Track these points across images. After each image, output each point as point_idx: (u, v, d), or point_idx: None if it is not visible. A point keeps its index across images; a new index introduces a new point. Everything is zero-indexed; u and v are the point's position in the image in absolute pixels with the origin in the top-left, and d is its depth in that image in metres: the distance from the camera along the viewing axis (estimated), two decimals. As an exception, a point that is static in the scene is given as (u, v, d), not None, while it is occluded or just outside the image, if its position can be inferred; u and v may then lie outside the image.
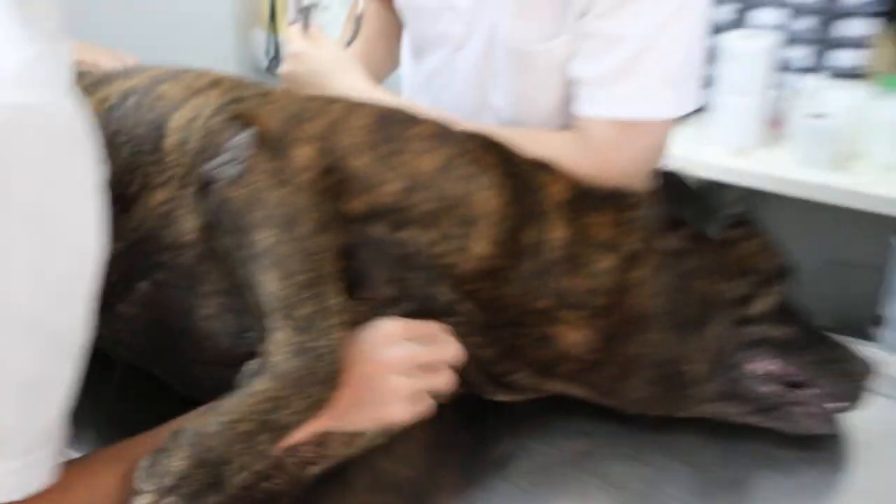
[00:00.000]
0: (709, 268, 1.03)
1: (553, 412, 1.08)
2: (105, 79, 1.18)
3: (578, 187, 1.09)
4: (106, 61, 1.30)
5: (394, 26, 1.56)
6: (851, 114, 2.44)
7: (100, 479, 0.80)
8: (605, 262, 1.03)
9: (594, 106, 1.22)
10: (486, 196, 0.98)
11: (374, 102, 1.13)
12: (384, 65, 1.60)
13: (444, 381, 0.95)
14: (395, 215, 0.95)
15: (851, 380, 1.02)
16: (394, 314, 0.97)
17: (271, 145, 0.90)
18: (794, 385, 1.02)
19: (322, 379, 0.82)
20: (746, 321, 1.02)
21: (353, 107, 1.01)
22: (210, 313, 0.99)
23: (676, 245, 1.04)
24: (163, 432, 0.83)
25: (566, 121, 1.30)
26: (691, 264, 1.03)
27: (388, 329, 0.93)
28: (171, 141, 1.04)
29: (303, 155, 0.90)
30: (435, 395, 0.94)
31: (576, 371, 1.05)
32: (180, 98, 1.09)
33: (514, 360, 1.04)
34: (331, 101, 1.03)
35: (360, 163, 0.94)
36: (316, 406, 0.83)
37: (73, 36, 1.33)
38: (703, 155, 2.54)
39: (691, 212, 1.02)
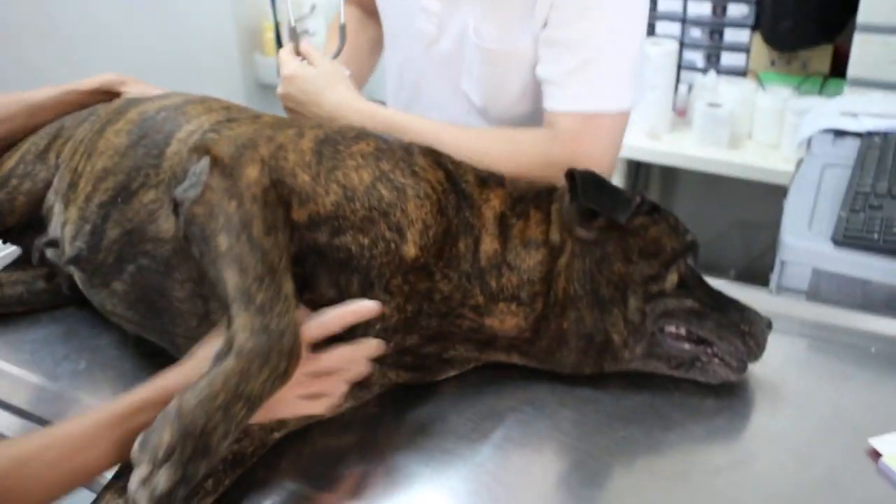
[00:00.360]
0: (623, 251, 0.98)
1: (495, 370, 1.04)
2: (148, 99, 1.17)
3: (512, 196, 1.02)
4: (152, 90, 1.30)
5: (376, 29, 1.46)
6: (739, 103, 2.46)
7: (101, 443, 0.77)
8: (533, 258, 0.98)
9: (561, 102, 1.17)
10: (415, 204, 0.93)
11: (339, 120, 1.11)
12: (370, 68, 1.53)
13: (338, 385, 0.88)
14: (335, 222, 0.90)
15: (753, 336, 0.98)
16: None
17: (224, 169, 0.86)
18: (707, 343, 0.99)
19: (286, 351, 0.78)
20: (661, 294, 0.98)
21: (304, 131, 0.96)
22: (182, 296, 0.97)
23: (593, 235, 0.98)
24: (149, 392, 0.82)
25: (530, 105, 1.26)
26: (608, 249, 0.98)
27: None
28: (171, 149, 1.02)
29: (251, 174, 0.87)
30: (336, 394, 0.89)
31: (510, 346, 1.01)
32: (195, 115, 1.07)
33: (449, 341, 0.99)
34: (286, 126, 0.98)
35: (302, 179, 0.90)
36: (283, 375, 0.79)
37: (92, 67, 1.33)
38: (626, 139, 2.54)
39: (603, 203, 0.97)
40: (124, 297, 1.03)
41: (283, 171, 0.89)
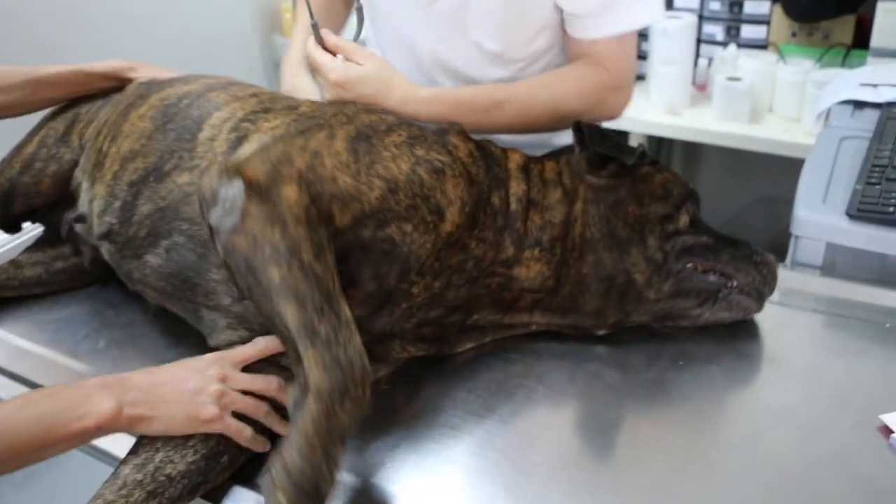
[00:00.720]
0: (635, 196, 1.02)
1: (504, 348, 1.06)
2: (168, 83, 1.19)
3: (526, 154, 1.08)
4: (163, 73, 1.31)
5: None
6: (760, 77, 2.43)
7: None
8: (553, 196, 1.02)
9: (601, 29, 1.19)
10: (453, 184, 0.94)
11: (379, 114, 1.07)
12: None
13: (258, 408, 0.89)
14: (380, 215, 0.90)
15: (766, 265, 1.04)
16: (366, 306, 0.95)
17: (260, 192, 0.83)
18: (726, 275, 1.03)
19: (359, 379, 0.77)
20: (676, 233, 1.02)
21: (335, 131, 0.94)
22: (219, 278, 0.98)
23: (604, 182, 1.02)
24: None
25: (546, 41, 1.27)
26: (620, 195, 1.02)
27: (212, 356, 0.91)
28: (203, 135, 1.04)
29: (290, 193, 0.84)
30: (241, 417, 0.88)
31: (534, 302, 1.03)
32: (222, 102, 1.08)
33: (474, 307, 1.02)
34: (317, 129, 0.95)
35: (343, 181, 0.88)
36: (362, 401, 0.78)
37: (111, 50, 1.34)
38: (644, 116, 2.53)
39: (610, 148, 1.00)
40: (157, 269, 1.04)
41: (323, 178, 0.88)
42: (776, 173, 2.73)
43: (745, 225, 2.93)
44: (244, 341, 0.97)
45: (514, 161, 1.05)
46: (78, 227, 1.20)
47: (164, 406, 0.84)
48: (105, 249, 1.13)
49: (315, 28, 1.19)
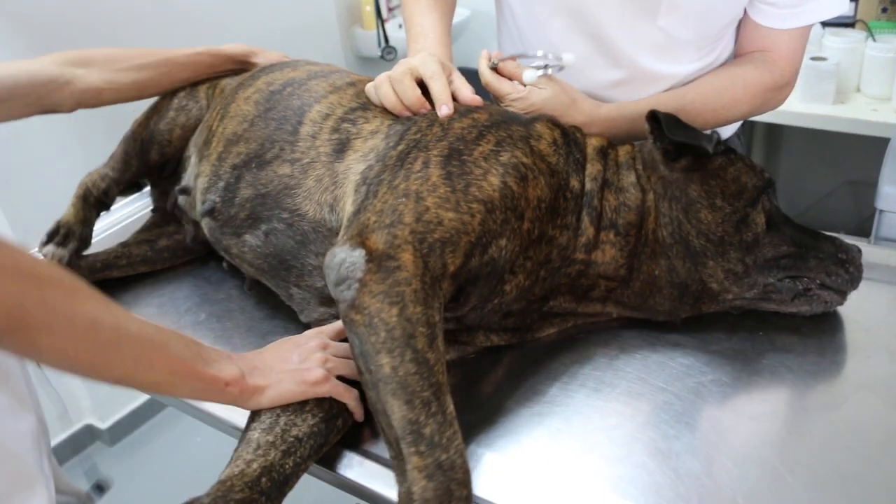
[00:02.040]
0: (707, 195, 1.00)
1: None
2: (275, 67, 1.27)
3: (605, 138, 1.08)
4: (281, 58, 1.40)
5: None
6: (847, 55, 2.38)
7: (178, 380, 0.83)
8: (628, 179, 1.02)
9: (789, 20, 1.18)
10: (533, 185, 0.95)
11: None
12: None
13: (352, 368, 0.91)
14: (483, 239, 0.90)
15: (852, 262, 1.02)
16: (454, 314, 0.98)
17: (380, 263, 0.85)
18: (811, 279, 1.02)
19: (461, 480, 0.78)
20: (756, 241, 1.00)
21: (430, 156, 0.95)
22: (315, 263, 1.04)
23: (675, 175, 1.01)
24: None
25: (732, 34, 1.25)
26: (691, 195, 1.00)
27: (311, 331, 0.98)
28: (305, 129, 1.09)
29: (407, 261, 0.84)
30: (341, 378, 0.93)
31: (607, 291, 1.04)
32: (322, 93, 1.13)
33: (554, 294, 1.04)
34: (412, 159, 0.96)
35: (447, 218, 0.89)
36: (466, 500, 0.78)
37: (195, 44, 1.42)
38: (724, 100, 2.51)
39: (689, 137, 0.98)
40: (255, 249, 1.11)
41: (430, 225, 0.88)
42: (862, 156, 2.68)
43: (828, 210, 2.88)
44: (337, 318, 1.03)
45: (593, 144, 1.06)
46: (181, 200, 1.28)
47: (275, 377, 0.90)
48: (206, 225, 1.21)
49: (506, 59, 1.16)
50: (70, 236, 1.30)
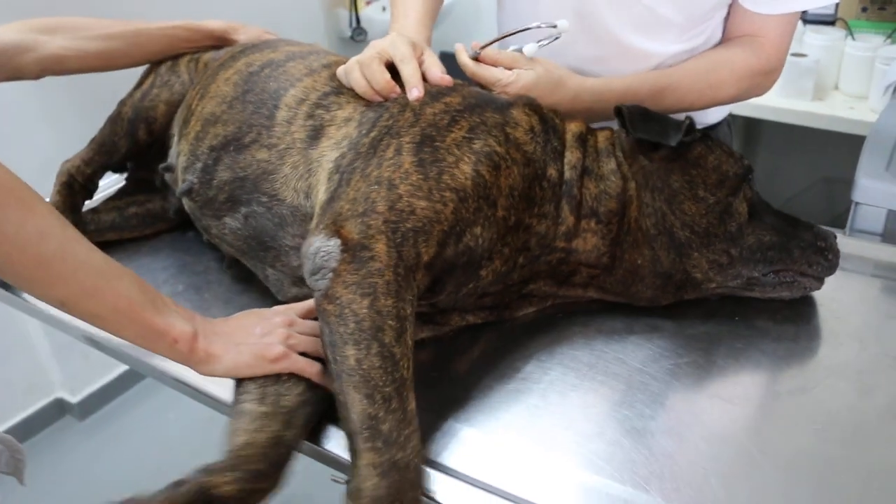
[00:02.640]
0: (689, 185, 1.00)
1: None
2: (256, 48, 1.25)
3: (585, 123, 1.07)
4: (266, 36, 1.38)
5: None
6: (826, 53, 2.41)
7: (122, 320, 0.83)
8: (608, 166, 1.01)
9: (779, 5, 1.17)
10: (505, 174, 0.94)
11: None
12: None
13: (317, 345, 0.90)
14: (457, 228, 0.90)
15: (830, 250, 1.04)
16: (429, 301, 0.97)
17: (354, 252, 0.85)
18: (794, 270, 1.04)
19: (413, 483, 0.78)
20: (740, 231, 1.01)
21: (402, 143, 0.94)
22: (292, 244, 1.04)
23: (656, 165, 1.01)
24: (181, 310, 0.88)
25: (719, 14, 1.24)
26: (673, 186, 1.00)
27: (280, 307, 0.96)
28: (281, 114, 1.08)
29: (380, 251, 0.85)
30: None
31: (589, 278, 1.04)
32: (298, 76, 1.12)
33: (535, 278, 1.04)
34: (384, 146, 0.95)
35: (419, 207, 0.88)
36: (420, 501, 0.79)
37: (181, 16, 1.41)
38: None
39: (652, 130, 0.99)
40: (235, 231, 1.11)
41: (403, 214, 0.88)
42: (838, 153, 2.72)
43: (804, 204, 2.92)
44: (310, 296, 1.02)
45: (572, 131, 1.05)
46: (167, 177, 1.28)
47: (234, 347, 0.89)
48: (186, 204, 1.20)
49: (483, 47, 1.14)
50: None
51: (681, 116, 1.03)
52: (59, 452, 2.40)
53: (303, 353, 0.91)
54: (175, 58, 1.34)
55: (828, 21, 2.52)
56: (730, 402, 0.92)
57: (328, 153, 1.01)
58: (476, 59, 1.14)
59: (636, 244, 1.02)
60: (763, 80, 1.24)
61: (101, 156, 1.32)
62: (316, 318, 0.89)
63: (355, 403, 0.79)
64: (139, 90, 1.33)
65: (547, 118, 1.04)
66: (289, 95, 1.10)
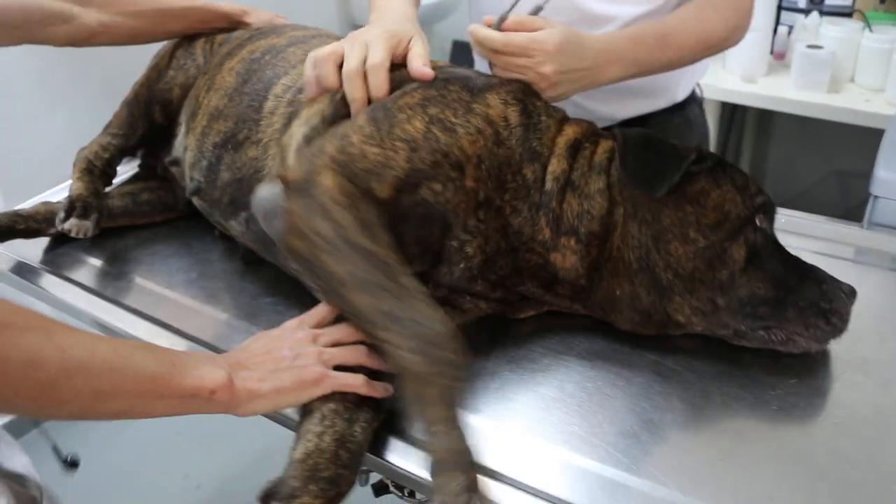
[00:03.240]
0: (681, 225, 0.92)
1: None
2: (262, 34, 1.24)
3: (591, 129, 1.02)
4: (277, 20, 1.38)
5: None
6: (842, 45, 2.40)
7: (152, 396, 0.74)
8: (595, 185, 0.96)
9: None
10: (469, 140, 0.93)
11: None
12: None
13: (352, 355, 0.87)
14: (411, 178, 0.90)
15: (835, 313, 0.92)
16: (421, 263, 0.96)
17: (299, 188, 0.86)
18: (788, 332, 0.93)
19: (447, 343, 0.79)
20: (731, 280, 0.92)
21: (356, 113, 0.97)
22: None
23: (649, 196, 0.93)
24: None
25: None
26: (663, 222, 0.93)
27: (292, 322, 0.90)
28: (268, 105, 1.07)
29: (326, 181, 0.86)
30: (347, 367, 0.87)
31: (572, 293, 0.99)
32: (293, 63, 1.11)
33: (521, 276, 0.99)
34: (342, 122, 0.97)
35: (371, 152, 0.90)
36: (457, 363, 0.79)
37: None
38: (720, 83, 2.52)
39: (638, 176, 0.92)
40: (241, 233, 1.12)
41: (354, 157, 0.89)
42: (853, 146, 2.71)
43: (816, 198, 2.91)
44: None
45: (566, 136, 0.99)
46: (173, 171, 1.27)
47: (270, 376, 0.82)
48: (196, 202, 1.21)
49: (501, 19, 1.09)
50: (89, 208, 1.25)
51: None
52: (58, 446, 2.40)
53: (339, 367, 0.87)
54: (191, 39, 1.34)
55: (845, 13, 2.50)
56: (747, 395, 0.91)
57: (297, 131, 1.01)
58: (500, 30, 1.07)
59: (616, 274, 0.96)
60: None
61: (119, 139, 1.32)
62: (332, 323, 0.88)
63: (358, 303, 0.82)
64: (154, 71, 1.33)
65: (532, 113, 0.99)
66: (279, 84, 1.09)
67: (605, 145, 1.00)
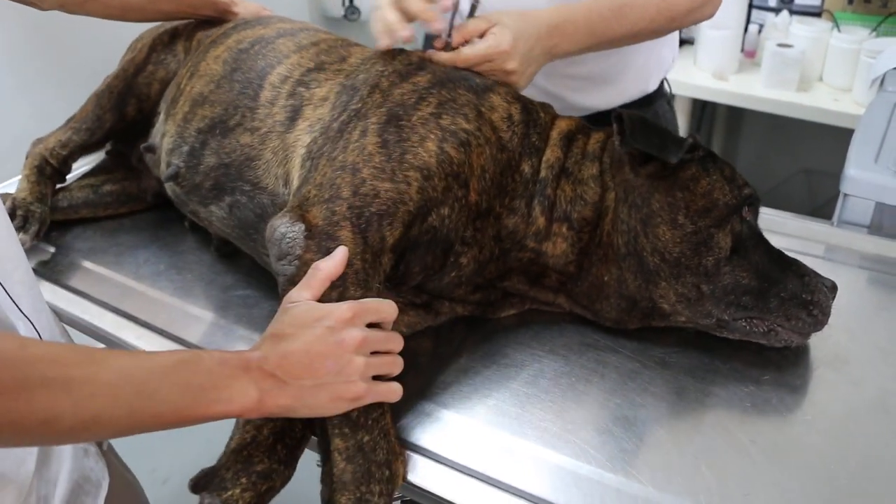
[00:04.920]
0: (670, 210, 0.93)
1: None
2: (248, 24, 1.22)
3: (581, 122, 1.03)
4: (263, 11, 1.36)
5: None
6: (811, 45, 2.42)
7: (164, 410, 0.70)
8: (588, 171, 0.97)
9: None
10: (477, 153, 0.92)
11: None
12: None
13: (395, 365, 0.83)
14: (423, 208, 0.89)
15: (817, 305, 0.93)
16: (415, 280, 0.95)
17: (319, 240, 0.84)
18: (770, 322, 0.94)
19: (382, 463, 0.78)
20: (717, 267, 0.92)
21: (368, 124, 0.93)
22: None
23: (641, 181, 0.94)
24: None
25: None
26: (653, 206, 0.93)
27: (340, 313, 0.78)
28: (265, 94, 1.06)
29: (345, 240, 0.84)
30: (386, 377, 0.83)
31: (559, 283, 1.00)
32: (285, 53, 1.10)
33: (509, 273, 1.00)
34: (352, 128, 0.95)
35: (383, 189, 0.88)
36: (394, 479, 0.79)
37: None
38: (691, 79, 2.53)
39: (652, 143, 0.92)
40: (220, 219, 1.10)
41: (367, 199, 0.87)
42: (820, 145, 2.74)
43: (784, 195, 2.94)
44: None
45: (560, 129, 1.01)
46: (147, 158, 1.25)
47: (307, 392, 0.76)
48: (170, 189, 1.18)
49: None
50: (30, 218, 1.20)
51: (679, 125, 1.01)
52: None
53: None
54: (172, 36, 1.31)
55: (814, 12, 2.53)
56: (721, 391, 0.92)
57: (302, 136, 1.00)
58: (452, 48, 1.07)
59: (605, 259, 0.96)
60: None
61: (81, 135, 1.28)
62: (376, 326, 0.83)
63: None
64: (131, 64, 1.29)
65: (531, 110, 1.01)
66: (274, 74, 1.08)
67: (597, 136, 1.01)
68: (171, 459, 2.13)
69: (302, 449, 0.83)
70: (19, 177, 1.28)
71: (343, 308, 0.79)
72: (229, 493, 0.75)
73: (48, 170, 1.27)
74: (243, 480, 0.76)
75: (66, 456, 0.87)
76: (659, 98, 1.45)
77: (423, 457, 0.85)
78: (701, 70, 2.57)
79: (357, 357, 0.78)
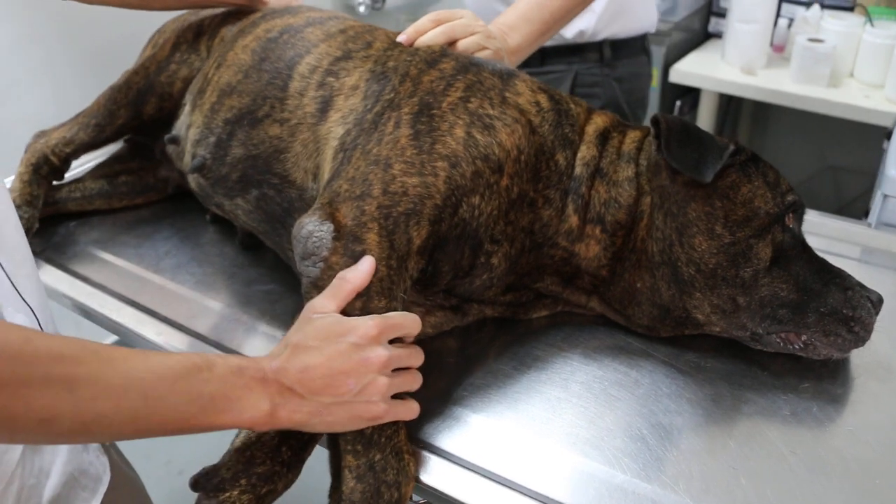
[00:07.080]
0: (707, 219, 0.89)
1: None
2: (277, 13, 1.19)
3: (617, 119, 1.01)
4: (298, 3, 1.32)
5: None
6: (843, 40, 2.38)
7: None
8: (624, 173, 0.94)
9: None
10: (507, 133, 0.90)
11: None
12: None
13: (415, 382, 0.82)
14: (451, 199, 0.87)
15: (858, 321, 0.89)
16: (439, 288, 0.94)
17: (346, 242, 0.82)
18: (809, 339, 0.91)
19: (392, 483, 0.76)
20: (755, 279, 0.89)
21: (401, 114, 0.92)
22: None
23: (677, 188, 0.91)
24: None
25: None
26: (689, 215, 0.90)
27: (365, 329, 0.76)
28: (294, 85, 1.03)
29: (371, 244, 0.82)
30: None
31: (592, 286, 0.97)
32: (314, 42, 1.08)
33: (542, 273, 0.98)
34: (385, 119, 0.93)
35: (412, 188, 0.86)
36: (402, 500, 0.76)
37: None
38: (719, 74, 2.50)
39: (686, 160, 0.88)
40: (247, 212, 1.08)
41: (396, 197, 0.85)
42: (848, 142, 2.70)
43: (809, 193, 2.90)
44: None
45: (595, 125, 0.98)
46: (170, 149, 1.23)
47: (325, 410, 0.74)
48: (194, 181, 1.16)
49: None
50: None
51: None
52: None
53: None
54: (197, 34, 1.27)
55: (846, 7, 2.48)
56: (759, 398, 0.89)
57: (335, 128, 0.98)
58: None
59: (638, 266, 0.94)
60: None
61: (88, 131, 1.24)
62: (400, 341, 0.81)
63: None
64: (153, 61, 1.25)
65: (559, 100, 0.98)
66: (303, 64, 1.06)
67: (633, 135, 0.98)
68: (186, 451, 2.13)
69: (308, 452, 0.81)
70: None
71: (369, 325, 0.77)
72: (227, 494, 0.74)
73: (45, 169, 1.23)
74: (242, 482, 0.75)
75: (61, 448, 0.85)
76: (641, 54, 1.59)
77: (449, 462, 0.83)
78: (729, 64, 2.54)
79: (380, 377, 0.76)
